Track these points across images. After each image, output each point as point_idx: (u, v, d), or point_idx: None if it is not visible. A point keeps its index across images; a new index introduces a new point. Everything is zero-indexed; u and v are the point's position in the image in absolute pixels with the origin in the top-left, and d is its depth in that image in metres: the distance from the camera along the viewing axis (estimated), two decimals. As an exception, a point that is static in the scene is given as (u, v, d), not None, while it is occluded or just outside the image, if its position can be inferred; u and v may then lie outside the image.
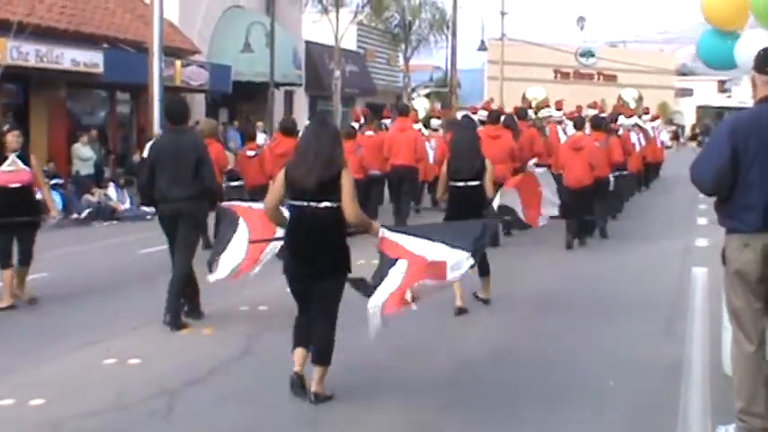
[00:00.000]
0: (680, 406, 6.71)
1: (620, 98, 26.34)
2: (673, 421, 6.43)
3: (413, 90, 47.32)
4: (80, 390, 7.08)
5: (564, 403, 6.85)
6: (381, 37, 44.98)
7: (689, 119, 74.56)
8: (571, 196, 14.42)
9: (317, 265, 6.62)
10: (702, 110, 78.06)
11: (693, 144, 67.38)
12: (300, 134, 7.43)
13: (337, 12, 35.54)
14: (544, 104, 22.67)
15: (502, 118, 16.10)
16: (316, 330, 6.70)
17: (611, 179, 16.18)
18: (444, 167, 10.30)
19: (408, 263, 6.59)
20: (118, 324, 9.26)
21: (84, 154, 21.92)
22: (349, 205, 6.52)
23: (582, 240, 15.12)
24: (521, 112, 18.86)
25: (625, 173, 18.87)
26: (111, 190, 21.04)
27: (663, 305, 10.42)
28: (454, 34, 43.65)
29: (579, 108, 24.21)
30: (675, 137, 62.72)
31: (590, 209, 15.45)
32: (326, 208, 6.51)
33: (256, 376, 7.47)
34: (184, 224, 9.17)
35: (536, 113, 21.07)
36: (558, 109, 22.97)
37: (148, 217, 20.17)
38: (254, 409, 6.68)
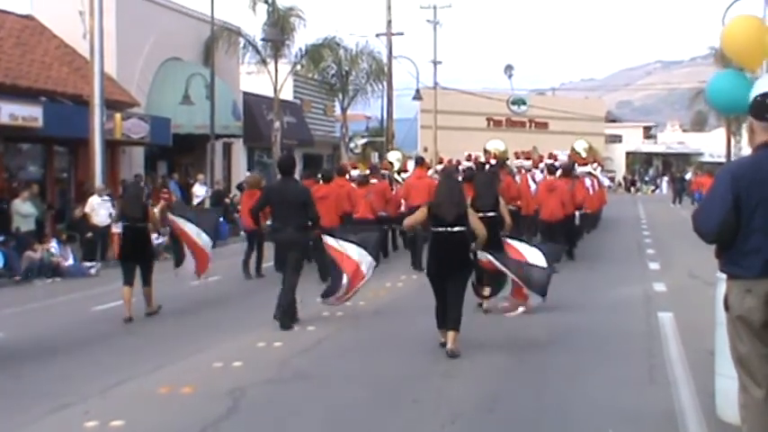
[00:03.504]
0: (686, 455, 6.61)
1: (572, 149, 27.85)
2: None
3: (350, 140, 47.32)
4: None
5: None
6: (317, 87, 44.91)
7: (619, 164, 75.85)
8: (545, 227, 18.84)
9: (452, 266, 10.16)
10: (632, 155, 79.58)
11: (632, 189, 68.88)
12: (438, 184, 11.09)
13: (276, 63, 35.42)
14: (504, 156, 23.94)
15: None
16: (451, 308, 10.00)
17: (577, 215, 19.31)
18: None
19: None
20: (88, 385, 8.85)
21: (26, 210, 21.17)
22: (479, 226, 10.31)
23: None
24: (499, 162, 22.05)
25: (588, 212, 21.88)
26: (54, 246, 20.39)
27: (639, 351, 10.36)
28: (390, 84, 43.89)
29: (541, 157, 25.71)
30: (611, 181, 64.12)
31: (560, 237, 18.39)
32: (459, 231, 10.15)
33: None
34: (293, 251, 12.17)
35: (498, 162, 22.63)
36: (527, 158, 25.19)
37: (92, 272, 19.74)
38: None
